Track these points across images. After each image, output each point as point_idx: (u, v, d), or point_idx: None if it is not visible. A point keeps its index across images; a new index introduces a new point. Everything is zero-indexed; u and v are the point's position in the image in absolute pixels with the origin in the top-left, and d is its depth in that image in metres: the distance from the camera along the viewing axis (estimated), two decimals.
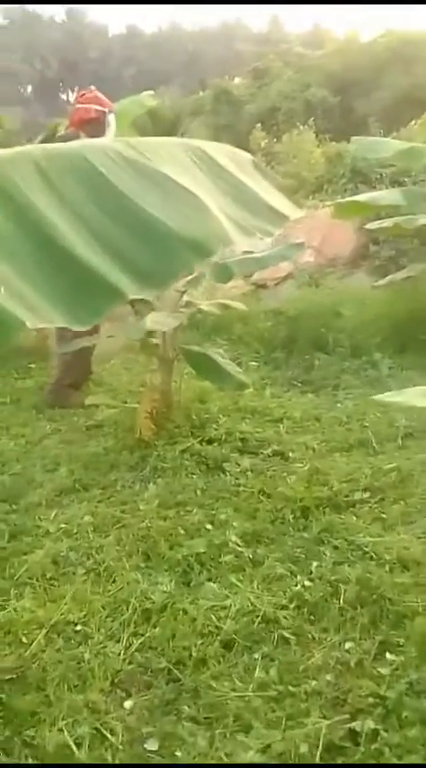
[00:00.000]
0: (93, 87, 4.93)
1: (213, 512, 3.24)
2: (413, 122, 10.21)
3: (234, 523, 3.11)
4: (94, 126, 4.58)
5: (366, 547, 2.88)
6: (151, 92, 5.34)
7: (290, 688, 2.20)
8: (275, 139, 11.59)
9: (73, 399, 4.62)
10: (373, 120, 11.33)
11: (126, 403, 4.45)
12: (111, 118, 4.67)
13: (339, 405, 4.58)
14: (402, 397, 2.06)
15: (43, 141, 4.85)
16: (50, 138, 5.22)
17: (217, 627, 2.46)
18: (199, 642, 2.39)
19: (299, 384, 5.01)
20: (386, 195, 5.31)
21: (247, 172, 1.35)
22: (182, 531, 3.06)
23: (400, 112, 14.12)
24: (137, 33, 60.41)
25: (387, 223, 5.55)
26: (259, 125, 12.46)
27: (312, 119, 12.83)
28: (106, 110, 4.64)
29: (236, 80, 25.72)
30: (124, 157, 1.27)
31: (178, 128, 17.92)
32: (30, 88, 61.89)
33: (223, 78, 24.52)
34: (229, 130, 18.08)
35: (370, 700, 2.12)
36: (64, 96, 55.96)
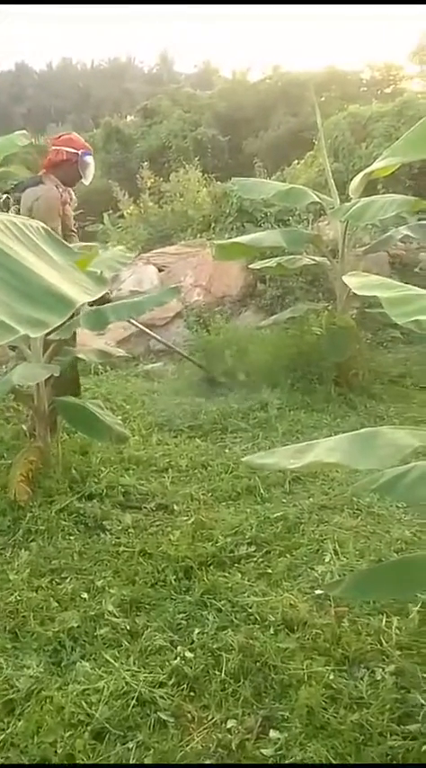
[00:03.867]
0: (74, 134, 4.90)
1: (90, 577, 3.03)
2: (296, 162, 10.44)
3: (112, 590, 2.90)
4: (66, 168, 4.53)
5: (250, 608, 2.73)
6: (24, 131, 5.12)
7: None
8: (162, 179, 11.59)
9: None
10: (257, 161, 11.52)
11: (1, 458, 4.18)
12: (89, 159, 4.60)
13: (227, 450, 4.46)
14: (271, 458, 1.94)
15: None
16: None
17: (87, 714, 2.23)
18: (68, 734, 2.16)
19: (187, 429, 4.86)
20: (266, 236, 5.32)
21: (32, 246, 1.17)
22: (55, 604, 2.82)
23: (286, 151, 14.48)
24: (27, 71, 59.81)
25: (271, 263, 5.57)
26: (146, 164, 12.43)
27: (197, 158, 12.92)
28: (79, 151, 4.56)
29: (129, 118, 25.82)
30: None
31: None
32: None
33: (114, 117, 24.53)
34: (120, 168, 18.01)
35: None
36: None
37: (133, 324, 5.55)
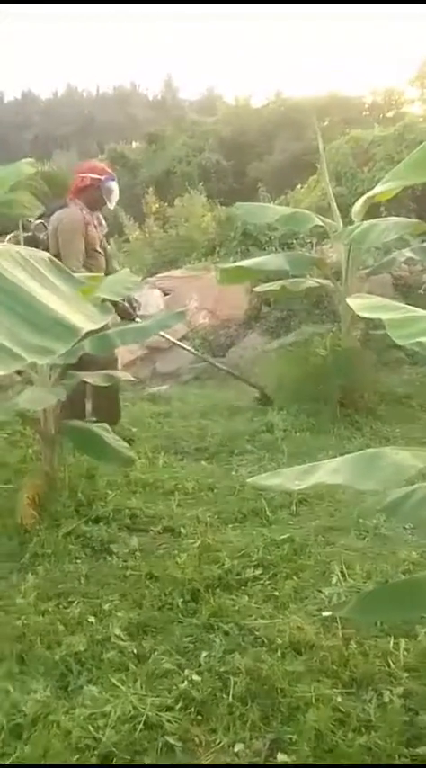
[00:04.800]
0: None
1: (97, 600, 3.02)
2: (299, 186, 10.57)
3: (118, 614, 2.89)
4: (90, 193, 4.83)
5: (257, 631, 2.72)
6: (31, 159, 5.23)
7: None
8: (166, 204, 11.75)
9: None
10: (261, 185, 11.66)
11: (9, 483, 4.19)
12: (112, 184, 4.87)
13: (233, 472, 4.47)
14: (277, 479, 1.95)
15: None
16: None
17: (95, 739, 2.22)
18: (75, 759, 2.15)
19: (193, 452, 4.88)
20: (270, 260, 5.38)
21: (38, 276, 1.21)
22: (62, 627, 2.81)
23: (290, 175, 14.65)
24: (33, 98, 60.74)
25: (275, 286, 5.61)
26: (151, 189, 12.61)
27: (202, 183, 13.11)
28: (102, 177, 4.83)
29: (134, 144, 26.19)
30: None
31: None
32: None
33: (119, 142, 24.89)
34: (126, 193, 18.26)
35: None
36: None
37: (166, 338, 5.83)
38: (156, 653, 2.64)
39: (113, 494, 3.99)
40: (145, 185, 15.37)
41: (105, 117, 49.95)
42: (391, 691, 2.35)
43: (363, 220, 5.18)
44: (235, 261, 7.13)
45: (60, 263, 1.32)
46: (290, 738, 2.20)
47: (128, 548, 3.48)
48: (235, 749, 2.18)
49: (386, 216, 6.67)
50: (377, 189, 5.05)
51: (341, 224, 5.49)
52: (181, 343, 6.10)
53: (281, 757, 2.13)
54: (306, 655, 2.57)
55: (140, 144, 25.00)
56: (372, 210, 5.63)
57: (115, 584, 3.17)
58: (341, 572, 3.11)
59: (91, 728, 2.25)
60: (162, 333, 4.91)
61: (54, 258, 1.32)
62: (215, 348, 7.41)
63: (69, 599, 3.04)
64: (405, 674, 2.42)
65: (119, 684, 2.47)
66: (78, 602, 3.00)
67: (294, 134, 20.25)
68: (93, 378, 3.94)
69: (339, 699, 2.32)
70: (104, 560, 3.39)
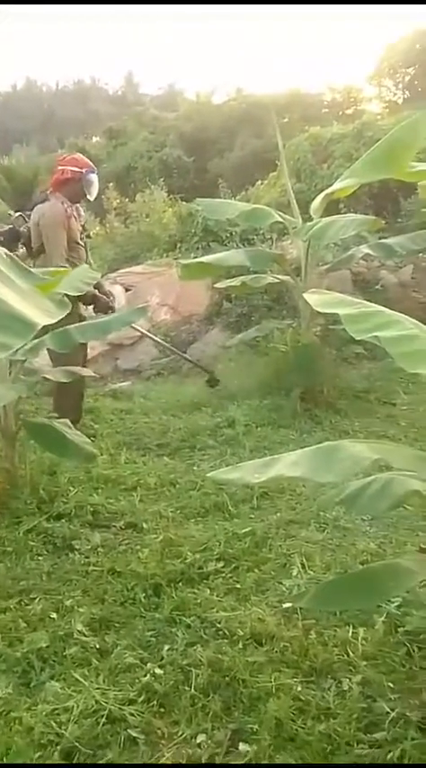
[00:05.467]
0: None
1: (59, 597, 3.01)
2: (260, 183, 10.63)
3: (81, 609, 2.89)
4: (71, 186, 4.81)
5: (219, 623, 2.75)
6: None
7: None
8: (127, 199, 11.71)
9: None
10: (222, 181, 11.69)
11: None
12: (93, 177, 4.86)
13: (195, 468, 4.49)
14: (237, 473, 1.98)
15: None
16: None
17: (57, 734, 2.22)
18: (37, 755, 2.15)
19: (155, 447, 4.89)
20: (231, 256, 5.40)
21: None
22: (24, 624, 2.80)
23: (250, 172, 14.71)
24: None
25: (235, 282, 5.65)
26: (112, 184, 12.54)
27: (163, 179, 13.10)
28: (83, 170, 4.81)
29: (94, 139, 26.01)
30: None
31: (35, 186, 17.73)
32: None
33: (79, 138, 24.69)
34: None
35: None
36: None
37: (139, 330, 5.89)
38: (119, 647, 2.65)
39: (75, 490, 3.98)
40: (105, 180, 15.26)
41: (65, 112, 49.49)
42: (350, 679, 2.39)
43: (322, 217, 5.23)
44: (196, 257, 7.14)
45: (18, 259, 1.32)
46: (251, 728, 2.23)
47: (91, 544, 3.48)
48: (198, 740, 2.20)
49: (344, 212, 6.75)
50: (336, 186, 5.08)
51: (300, 220, 5.54)
52: (150, 334, 6.09)
53: (243, 747, 2.16)
54: (267, 645, 2.60)
55: (101, 139, 24.84)
56: (331, 207, 5.69)
57: (77, 580, 3.16)
58: (302, 564, 3.16)
59: (53, 724, 2.26)
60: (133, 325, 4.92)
61: (10, 253, 1.32)
62: (177, 344, 7.40)
63: (31, 596, 3.04)
64: (364, 663, 2.47)
65: (81, 679, 2.47)
66: (40, 599, 2.99)
67: (254, 131, 20.31)
68: (54, 374, 3.92)
69: (299, 688, 2.36)
70: (66, 557, 3.38)
